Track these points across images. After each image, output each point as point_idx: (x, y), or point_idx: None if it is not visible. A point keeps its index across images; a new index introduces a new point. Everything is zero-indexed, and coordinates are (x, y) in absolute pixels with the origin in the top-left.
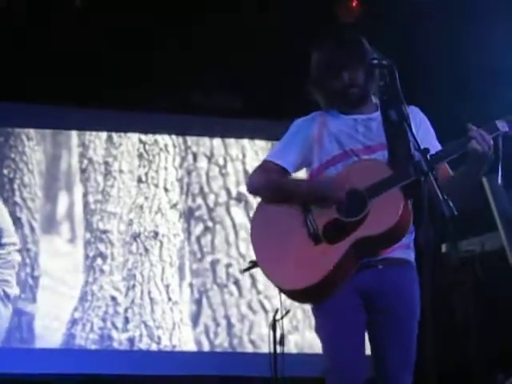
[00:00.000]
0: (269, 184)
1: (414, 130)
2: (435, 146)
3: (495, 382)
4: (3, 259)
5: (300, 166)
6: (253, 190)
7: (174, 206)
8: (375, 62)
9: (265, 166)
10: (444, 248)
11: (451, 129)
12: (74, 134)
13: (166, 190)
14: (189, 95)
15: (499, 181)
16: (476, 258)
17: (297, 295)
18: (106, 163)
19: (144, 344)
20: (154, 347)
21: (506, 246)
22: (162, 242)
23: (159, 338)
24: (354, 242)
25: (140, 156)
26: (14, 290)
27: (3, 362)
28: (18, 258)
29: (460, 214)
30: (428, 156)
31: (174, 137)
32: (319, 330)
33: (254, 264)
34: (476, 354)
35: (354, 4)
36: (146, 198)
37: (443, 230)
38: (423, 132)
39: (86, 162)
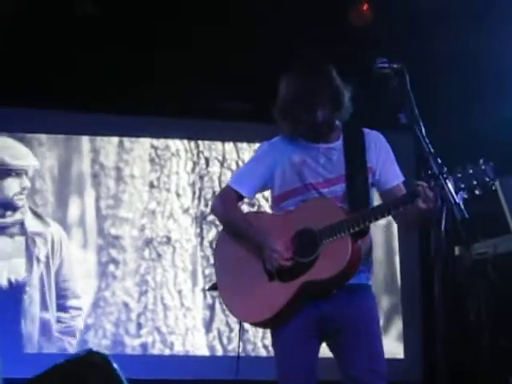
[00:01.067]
0: (225, 219)
1: (369, 158)
2: (394, 174)
3: None
4: (65, 324)
5: (260, 191)
6: (215, 215)
7: (186, 210)
8: (385, 65)
9: (225, 194)
10: (457, 251)
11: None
12: (85, 139)
13: (178, 194)
14: (199, 99)
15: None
16: (489, 260)
17: (254, 325)
18: (118, 168)
19: (157, 350)
20: (167, 353)
21: None
22: (174, 248)
23: (172, 343)
24: (303, 284)
25: (152, 161)
26: None
27: (18, 366)
28: (81, 324)
29: (472, 217)
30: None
31: (185, 141)
32: (275, 351)
33: (215, 286)
34: (488, 356)
35: (365, 8)
36: (158, 203)
37: (456, 233)
38: (382, 161)
39: (97, 167)
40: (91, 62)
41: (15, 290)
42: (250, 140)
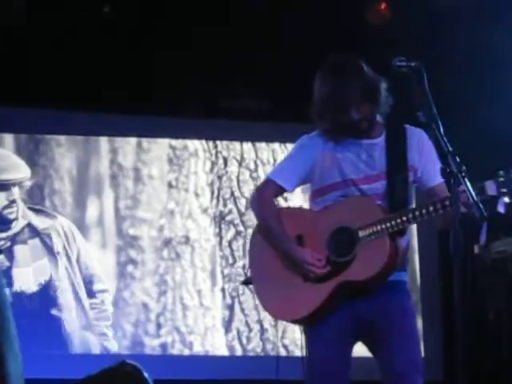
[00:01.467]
0: (262, 223)
1: (411, 157)
2: (436, 173)
3: None
4: (97, 309)
5: (300, 184)
6: (252, 211)
7: (204, 210)
8: (403, 63)
9: (265, 187)
10: (476, 249)
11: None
12: (103, 140)
13: (196, 194)
14: (216, 99)
15: (483, 238)
16: (509, 258)
17: (288, 322)
18: (136, 169)
19: (176, 350)
20: (186, 353)
21: None
22: (193, 247)
23: (191, 343)
24: (339, 284)
25: (170, 161)
26: (112, 344)
27: (41, 367)
28: (111, 308)
29: (491, 216)
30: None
31: (203, 141)
32: (308, 350)
33: (250, 281)
34: (508, 356)
35: (383, 7)
36: (177, 203)
37: (475, 232)
38: (424, 159)
39: (115, 167)
40: (109, 63)
41: (46, 291)
42: (268, 140)
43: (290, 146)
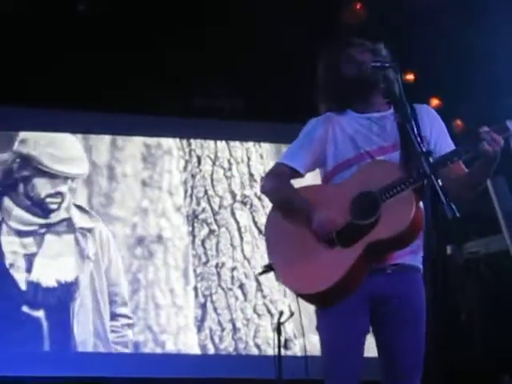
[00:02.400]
0: (277, 195)
1: (424, 129)
2: (448, 144)
3: (498, 381)
4: (118, 333)
5: (312, 166)
6: (264, 193)
7: (178, 209)
8: (378, 64)
9: (277, 170)
10: (449, 250)
11: None
12: (78, 137)
13: (170, 193)
14: (192, 98)
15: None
16: (481, 259)
17: (311, 298)
18: (110, 167)
19: (149, 349)
20: (158, 351)
21: (511, 246)
22: (166, 246)
23: (164, 342)
24: (366, 246)
25: (144, 159)
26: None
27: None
28: (131, 335)
29: (464, 217)
30: (431, 159)
31: (178, 140)
32: (321, 331)
33: (268, 268)
34: (479, 355)
35: (358, 7)
36: (151, 202)
37: (448, 232)
38: (436, 131)
39: (89, 165)
40: (83, 60)
41: (64, 290)
42: (242, 138)
43: (264, 145)
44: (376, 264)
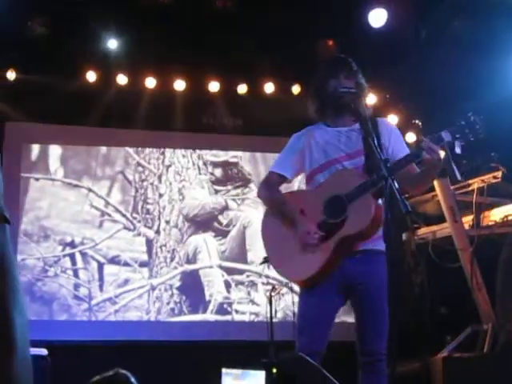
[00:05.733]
0: (269, 201)
1: (383, 139)
2: (403, 150)
3: (444, 343)
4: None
5: (297, 172)
6: (260, 199)
7: None
8: (344, 90)
9: (269, 178)
10: (404, 237)
11: None
12: None
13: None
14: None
15: (458, 177)
16: (429, 243)
17: (298, 283)
18: None
19: None
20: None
21: (453, 233)
22: None
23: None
24: (338, 241)
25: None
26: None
27: None
28: None
29: (414, 210)
30: (388, 164)
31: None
32: (299, 305)
33: (265, 260)
34: (429, 320)
35: (330, 43)
36: None
37: (403, 223)
38: (393, 140)
39: None
40: None
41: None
42: (241, 149)
43: (258, 155)
44: (347, 252)
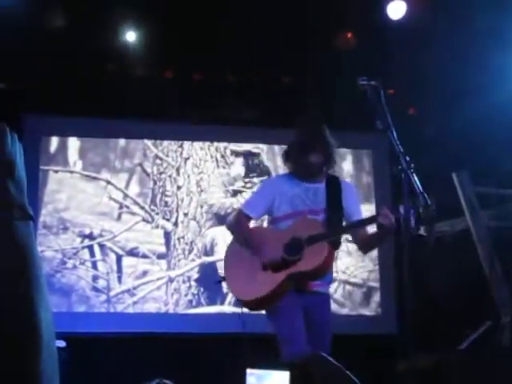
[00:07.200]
0: (237, 233)
1: (344, 199)
2: (358, 213)
3: (462, 336)
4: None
5: (263, 214)
6: (228, 230)
7: None
8: (364, 82)
9: (239, 215)
10: (422, 231)
11: None
12: None
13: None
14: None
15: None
16: (447, 236)
17: (248, 304)
18: None
19: None
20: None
21: (471, 226)
22: None
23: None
24: (289, 274)
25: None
26: None
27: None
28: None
29: (435, 203)
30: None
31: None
32: (273, 323)
33: (223, 279)
34: (448, 311)
35: (349, 36)
36: None
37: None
38: (351, 202)
39: None
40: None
41: None
42: (259, 141)
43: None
44: (302, 287)
